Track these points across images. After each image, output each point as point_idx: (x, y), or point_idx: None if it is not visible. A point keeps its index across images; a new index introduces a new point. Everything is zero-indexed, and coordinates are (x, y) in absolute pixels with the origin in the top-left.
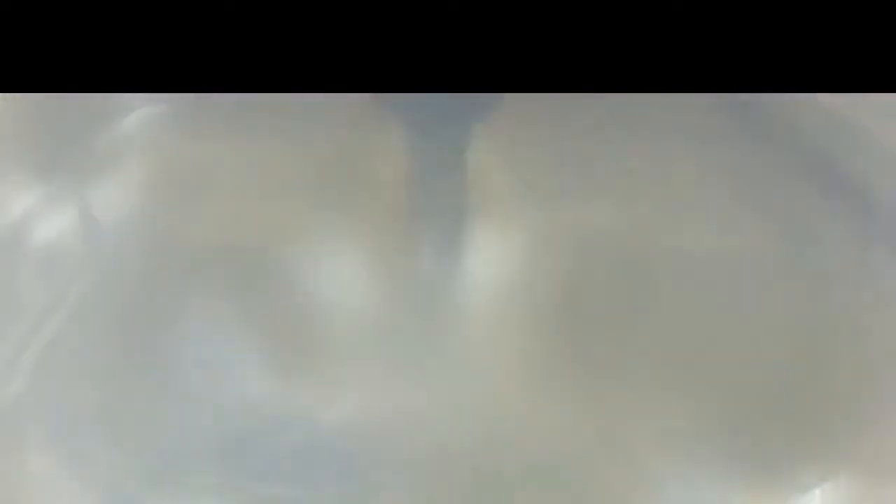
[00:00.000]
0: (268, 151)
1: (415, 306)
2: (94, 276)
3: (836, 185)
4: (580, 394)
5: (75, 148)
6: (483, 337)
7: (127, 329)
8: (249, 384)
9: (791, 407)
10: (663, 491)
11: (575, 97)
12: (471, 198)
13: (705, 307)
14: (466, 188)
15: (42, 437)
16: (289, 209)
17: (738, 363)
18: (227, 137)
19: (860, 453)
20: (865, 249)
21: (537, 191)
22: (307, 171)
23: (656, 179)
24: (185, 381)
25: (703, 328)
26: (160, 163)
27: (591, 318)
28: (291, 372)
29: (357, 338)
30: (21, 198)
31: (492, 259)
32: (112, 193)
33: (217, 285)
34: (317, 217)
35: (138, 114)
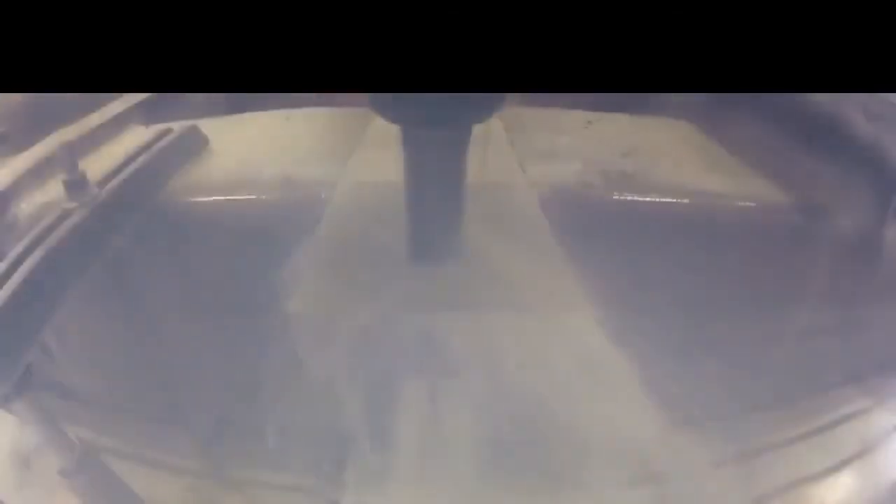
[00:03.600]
0: (267, 149)
1: (414, 306)
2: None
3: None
4: None
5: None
6: (483, 336)
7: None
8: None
9: None
10: None
11: (575, 97)
12: (470, 197)
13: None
14: (466, 188)
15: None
16: (287, 205)
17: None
18: (226, 135)
19: None
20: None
21: (537, 189)
22: (305, 169)
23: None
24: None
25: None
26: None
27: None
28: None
29: (357, 338)
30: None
31: (492, 258)
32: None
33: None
34: (315, 215)
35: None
